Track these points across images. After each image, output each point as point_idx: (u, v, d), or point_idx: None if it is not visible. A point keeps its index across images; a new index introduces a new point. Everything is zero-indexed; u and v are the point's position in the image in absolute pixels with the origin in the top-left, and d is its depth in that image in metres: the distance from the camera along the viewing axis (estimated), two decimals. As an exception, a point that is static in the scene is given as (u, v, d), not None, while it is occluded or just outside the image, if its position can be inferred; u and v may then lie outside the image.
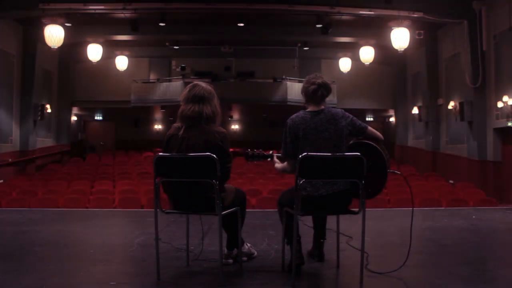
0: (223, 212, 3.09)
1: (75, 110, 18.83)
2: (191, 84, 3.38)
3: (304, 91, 3.39)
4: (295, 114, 3.34)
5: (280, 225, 3.45)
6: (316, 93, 3.31)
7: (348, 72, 17.55)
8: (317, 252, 3.63)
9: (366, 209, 3.08)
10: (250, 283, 3.07)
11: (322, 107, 3.34)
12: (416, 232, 5.83)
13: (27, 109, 14.48)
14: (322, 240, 3.64)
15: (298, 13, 13.05)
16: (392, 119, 19.11)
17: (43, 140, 15.94)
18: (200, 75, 17.22)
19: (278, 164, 3.52)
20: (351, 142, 3.35)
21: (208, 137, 3.17)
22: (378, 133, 3.39)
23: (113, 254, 4.08)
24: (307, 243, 3.69)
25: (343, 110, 3.42)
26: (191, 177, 3.09)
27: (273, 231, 5.00)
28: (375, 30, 14.27)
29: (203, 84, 3.37)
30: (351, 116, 3.35)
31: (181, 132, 3.22)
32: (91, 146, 19.80)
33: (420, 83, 15.94)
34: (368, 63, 15.93)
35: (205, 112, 3.21)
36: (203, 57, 18.14)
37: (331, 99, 15.78)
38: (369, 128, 3.36)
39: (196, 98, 3.24)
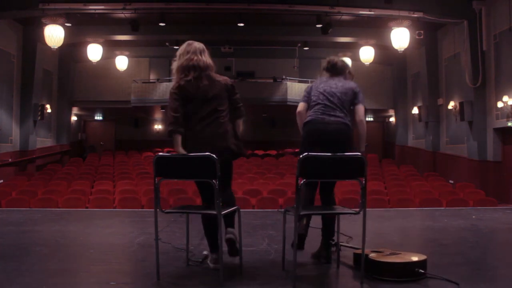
0: (223, 212, 3.09)
1: (75, 110, 18.84)
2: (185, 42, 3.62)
3: (325, 66, 3.97)
4: None
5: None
6: (335, 65, 3.89)
7: (348, 72, 17.52)
8: (324, 254, 3.61)
9: (366, 209, 3.09)
10: (250, 283, 3.07)
11: (340, 77, 3.85)
12: (416, 232, 5.84)
13: (27, 109, 14.47)
14: (331, 241, 3.60)
15: (298, 13, 13.05)
16: (392, 119, 19.10)
17: (43, 140, 15.95)
18: (200, 75, 17.19)
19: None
20: None
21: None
22: (363, 118, 3.72)
23: (113, 254, 4.08)
24: (308, 241, 3.68)
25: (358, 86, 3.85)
26: (191, 177, 3.09)
27: (273, 231, 5.00)
28: (375, 30, 14.28)
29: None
30: (360, 90, 3.80)
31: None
32: (91, 146, 19.78)
33: (420, 83, 15.93)
34: (368, 63, 15.92)
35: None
36: (203, 57, 18.09)
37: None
38: (361, 106, 3.73)
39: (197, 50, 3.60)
